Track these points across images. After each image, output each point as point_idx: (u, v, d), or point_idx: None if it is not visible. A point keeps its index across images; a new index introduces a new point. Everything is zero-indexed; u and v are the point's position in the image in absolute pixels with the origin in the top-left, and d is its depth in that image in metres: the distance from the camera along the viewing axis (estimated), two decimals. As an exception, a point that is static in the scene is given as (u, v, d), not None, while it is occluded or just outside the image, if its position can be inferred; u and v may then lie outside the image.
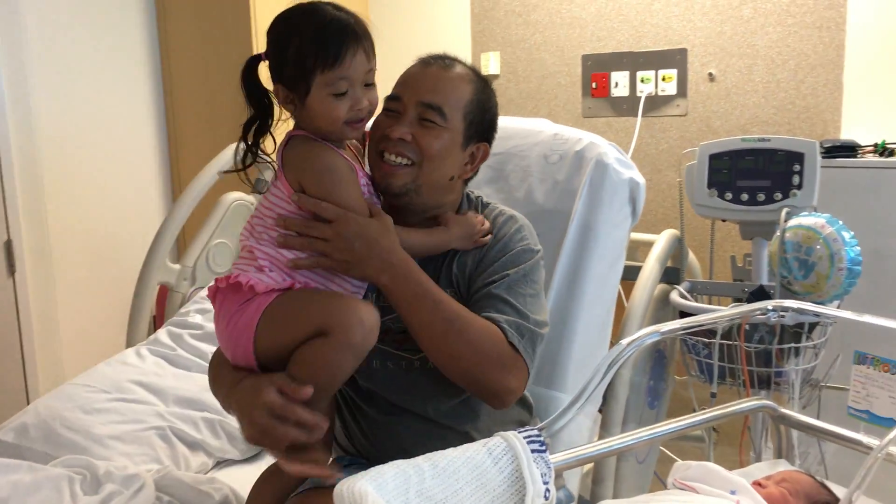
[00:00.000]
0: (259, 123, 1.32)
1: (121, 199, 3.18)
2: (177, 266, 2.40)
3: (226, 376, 1.34)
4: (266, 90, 1.31)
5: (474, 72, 1.48)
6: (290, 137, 1.31)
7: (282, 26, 1.29)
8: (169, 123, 3.31)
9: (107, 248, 3.11)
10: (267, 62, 1.30)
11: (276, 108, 1.33)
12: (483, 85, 1.48)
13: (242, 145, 1.33)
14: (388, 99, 1.45)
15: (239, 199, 2.53)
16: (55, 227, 2.98)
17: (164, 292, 2.47)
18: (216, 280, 1.31)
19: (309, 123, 1.29)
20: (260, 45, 2.98)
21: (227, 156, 2.50)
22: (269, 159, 1.33)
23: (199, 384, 2.01)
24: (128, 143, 3.22)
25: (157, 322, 2.58)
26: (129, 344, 2.25)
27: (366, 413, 1.47)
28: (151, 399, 1.93)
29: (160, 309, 2.54)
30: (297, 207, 1.29)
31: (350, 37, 1.26)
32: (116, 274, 3.07)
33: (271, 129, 1.33)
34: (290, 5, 1.33)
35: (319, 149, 1.29)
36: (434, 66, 1.44)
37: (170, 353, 2.10)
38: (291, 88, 1.27)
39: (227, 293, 1.29)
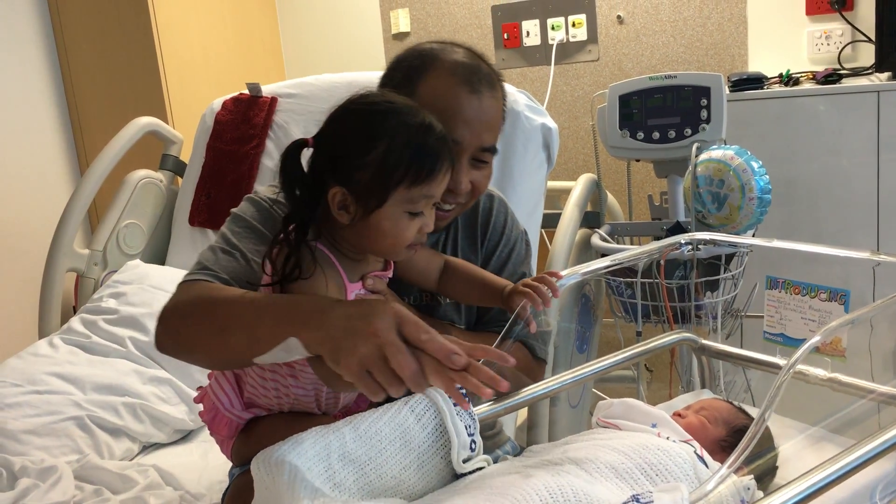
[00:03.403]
0: (302, 222, 1.08)
1: (23, 185, 3.03)
2: (86, 251, 2.31)
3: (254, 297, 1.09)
4: (313, 181, 1.08)
5: (498, 77, 1.30)
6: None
7: (362, 122, 1.07)
8: (69, 99, 3.16)
9: (11, 236, 2.98)
10: (312, 149, 1.09)
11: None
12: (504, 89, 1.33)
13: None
14: None
15: (146, 176, 2.43)
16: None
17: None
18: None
19: (360, 239, 1.10)
20: (158, 7, 2.91)
21: (131, 131, 2.41)
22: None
23: (117, 369, 1.95)
24: (25, 123, 3.05)
25: (76, 312, 2.48)
26: (42, 335, 2.16)
27: None
28: (67, 388, 1.86)
29: (78, 297, 2.45)
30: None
31: (447, 148, 1.08)
32: (25, 264, 2.94)
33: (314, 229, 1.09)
34: (363, 93, 1.11)
35: (324, 279, 1.08)
36: (485, 97, 1.24)
37: (84, 341, 2.02)
38: (359, 197, 1.06)
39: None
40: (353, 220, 1.07)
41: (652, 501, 0.82)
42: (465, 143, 1.22)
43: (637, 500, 0.82)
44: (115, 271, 2.29)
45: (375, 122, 1.06)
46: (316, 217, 1.08)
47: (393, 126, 1.05)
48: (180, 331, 1.13)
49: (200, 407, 1.30)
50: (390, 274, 1.20)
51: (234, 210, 1.28)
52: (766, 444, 1.17)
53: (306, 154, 1.11)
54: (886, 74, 2.46)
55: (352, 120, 1.08)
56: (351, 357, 0.92)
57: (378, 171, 1.04)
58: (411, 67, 1.25)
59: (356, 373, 0.93)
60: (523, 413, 1.98)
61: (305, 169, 1.09)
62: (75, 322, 2.10)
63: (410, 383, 0.92)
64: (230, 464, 1.36)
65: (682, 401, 1.41)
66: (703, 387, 1.53)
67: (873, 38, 2.50)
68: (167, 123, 2.64)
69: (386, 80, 1.30)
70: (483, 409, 1.16)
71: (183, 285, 1.17)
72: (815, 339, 1.00)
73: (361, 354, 0.92)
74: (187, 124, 2.75)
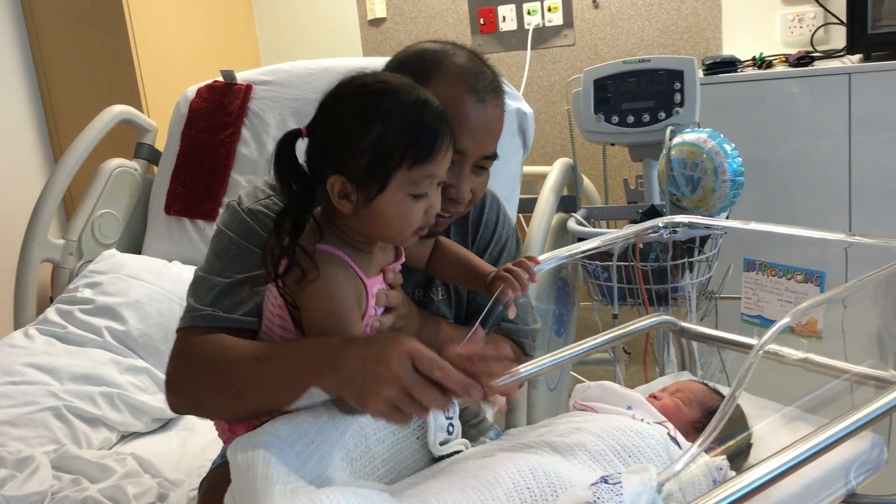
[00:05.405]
0: (297, 216, 1.04)
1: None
2: (61, 241, 2.29)
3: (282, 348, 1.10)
4: (307, 175, 1.05)
5: (500, 81, 1.26)
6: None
7: (355, 105, 1.03)
8: (42, 87, 3.12)
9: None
10: (307, 138, 1.05)
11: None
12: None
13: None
14: None
15: (121, 165, 2.41)
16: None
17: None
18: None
19: (365, 226, 1.06)
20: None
21: (105, 120, 2.39)
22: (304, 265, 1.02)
23: (94, 359, 1.94)
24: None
25: (53, 302, 2.46)
26: (18, 326, 2.15)
27: None
28: (44, 379, 1.85)
29: (54, 288, 2.43)
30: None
31: (445, 125, 1.04)
32: None
33: (311, 220, 1.05)
34: (354, 76, 1.07)
35: (340, 283, 1.05)
36: (490, 105, 1.20)
37: (60, 332, 2.01)
38: (359, 184, 1.02)
39: None
40: (355, 208, 1.03)
41: (620, 482, 0.83)
42: (470, 153, 1.18)
43: (606, 481, 0.83)
44: (91, 261, 2.27)
45: (369, 103, 1.02)
46: (311, 210, 1.04)
47: (387, 107, 1.02)
48: (197, 399, 1.13)
49: None
50: (403, 259, 1.19)
51: (217, 224, 1.25)
52: (740, 424, 1.18)
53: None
54: (857, 56, 2.48)
55: (345, 104, 1.04)
56: (377, 399, 0.94)
57: (376, 154, 1.01)
58: (414, 72, 1.18)
59: (384, 412, 0.95)
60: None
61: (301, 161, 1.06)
62: (51, 312, 2.09)
63: (437, 410, 0.96)
64: (209, 451, 1.36)
65: (661, 383, 1.43)
66: (682, 369, 1.55)
67: (845, 20, 2.52)
68: (141, 111, 2.62)
69: None
70: (462, 393, 1.17)
71: (182, 335, 1.16)
72: (785, 321, 1.01)
73: (387, 396, 0.93)
74: (162, 112, 2.72)
